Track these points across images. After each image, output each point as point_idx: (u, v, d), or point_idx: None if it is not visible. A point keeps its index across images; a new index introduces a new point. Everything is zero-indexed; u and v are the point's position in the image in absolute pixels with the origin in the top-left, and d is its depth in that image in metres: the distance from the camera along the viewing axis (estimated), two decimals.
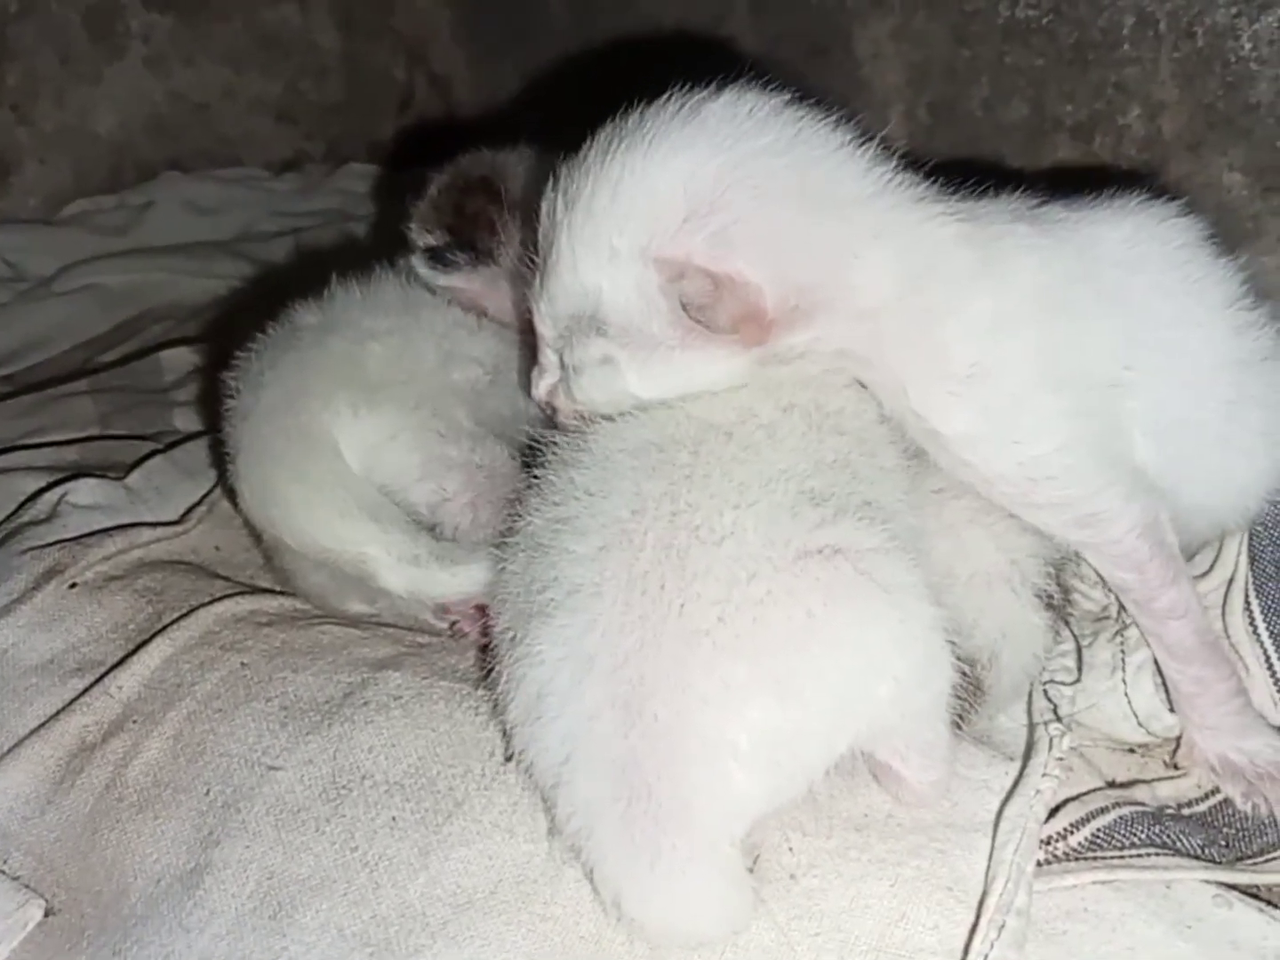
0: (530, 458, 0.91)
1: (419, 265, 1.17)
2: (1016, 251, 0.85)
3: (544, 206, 0.86)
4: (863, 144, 0.84)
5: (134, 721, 0.99)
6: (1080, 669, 0.99)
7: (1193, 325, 0.91)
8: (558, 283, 0.84)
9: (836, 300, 0.82)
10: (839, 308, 0.83)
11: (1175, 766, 0.96)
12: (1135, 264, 0.89)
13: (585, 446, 0.85)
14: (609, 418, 0.86)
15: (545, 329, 0.88)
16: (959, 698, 0.84)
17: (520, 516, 0.86)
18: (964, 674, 0.85)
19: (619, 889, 0.76)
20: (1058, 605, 0.95)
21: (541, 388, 0.92)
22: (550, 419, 0.93)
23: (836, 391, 0.87)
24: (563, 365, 0.88)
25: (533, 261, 0.88)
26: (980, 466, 0.86)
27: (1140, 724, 0.97)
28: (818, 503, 0.79)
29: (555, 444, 0.88)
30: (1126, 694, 0.98)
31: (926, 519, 0.89)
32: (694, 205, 0.79)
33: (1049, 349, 0.84)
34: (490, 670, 0.87)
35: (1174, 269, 0.91)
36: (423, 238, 1.19)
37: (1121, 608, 0.96)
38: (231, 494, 1.16)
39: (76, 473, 1.28)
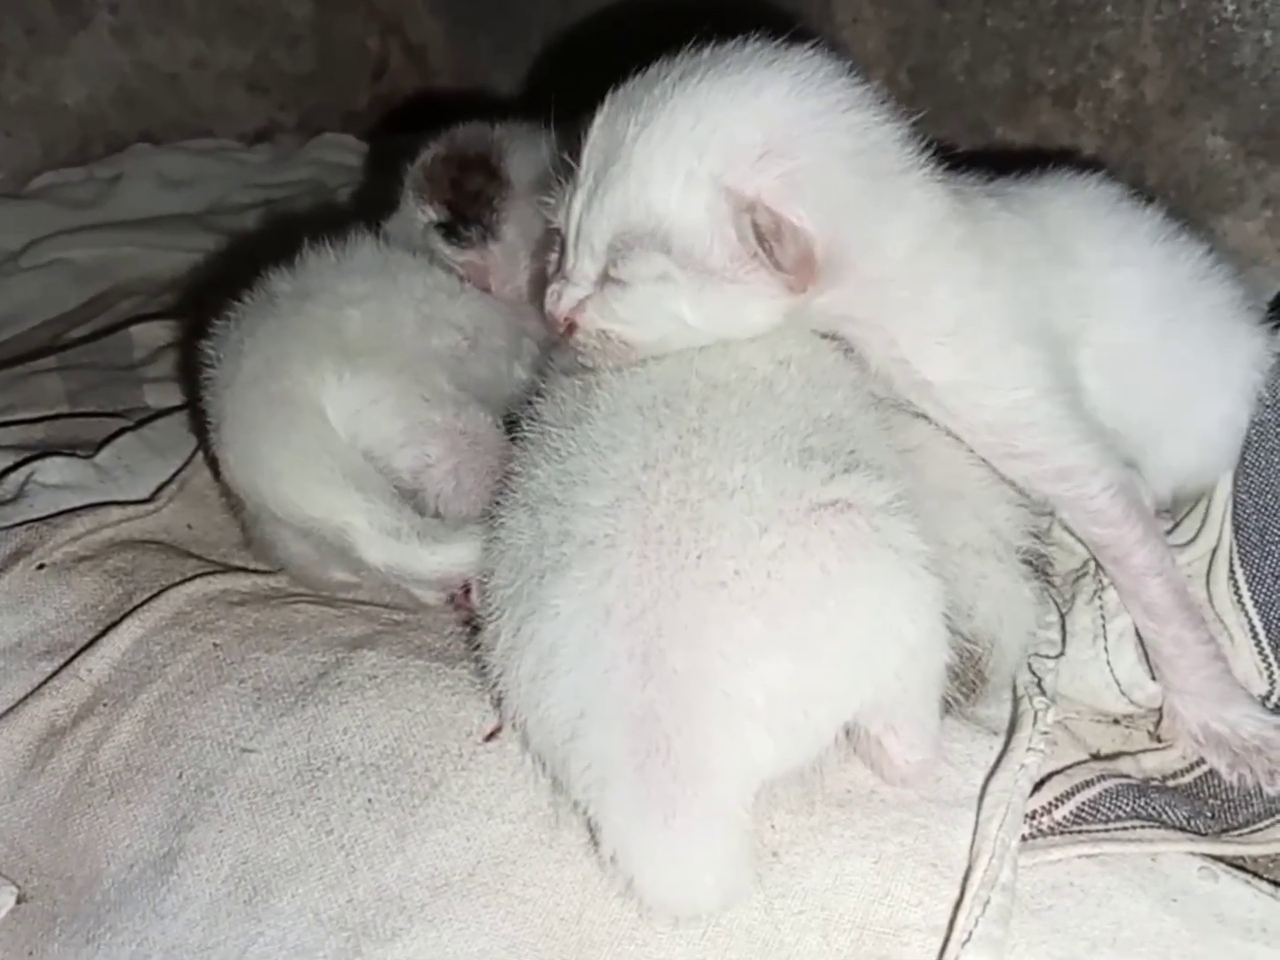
0: (514, 423, 0.90)
1: (436, 242, 1.20)
2: (994, 223, 0.92)
3: (601, 119, 0.86)
4: (898, 119, 0.87)
5: (104, 705, 0.97)
6: (1064, 641, 0.99)
7: (1126, 265, 0.98)
8: (619, 196, 0.83)
9: (861, 261, 0.85)
10: (859, 270, 0.85)
11: (1159, 739, 0.96)
12: (1073, 224, 0.98)
13: (591, 401, 0.85)
14: (623, 356, 0.86)
15: (593, 240, 0.85)
16: (961, 686, 0.85)
17: (517, 475, 0.86)
18: (969, 658, 0.85)
19: (624, 845, 0.75)
20: (1040, 568, 0.95)
21: (566, 299, 0.87)
22: (558, 339, 0.90)
23: (825, 351, 0.90)
24: (604, 280, 0.86)
25: (569, 172, 0.87)
26: (965, 414, 0.89)
27: (1123, 693, 0.97)
28: (826, 458, 0.79)
29: (550, 400, 0.88)
30: (1109, 662, 0.98)
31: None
32: (770, 144, 0.81)
33: (1023, 304, 0.90)
34: (479, 631, 0.86)
35: (1103, 220, 1.00)
36: (424, 211, 1.21)
37: (1099, 568, 0.98)
38: (213, 465, 1.14)
39: (44, 451, 1.26)
